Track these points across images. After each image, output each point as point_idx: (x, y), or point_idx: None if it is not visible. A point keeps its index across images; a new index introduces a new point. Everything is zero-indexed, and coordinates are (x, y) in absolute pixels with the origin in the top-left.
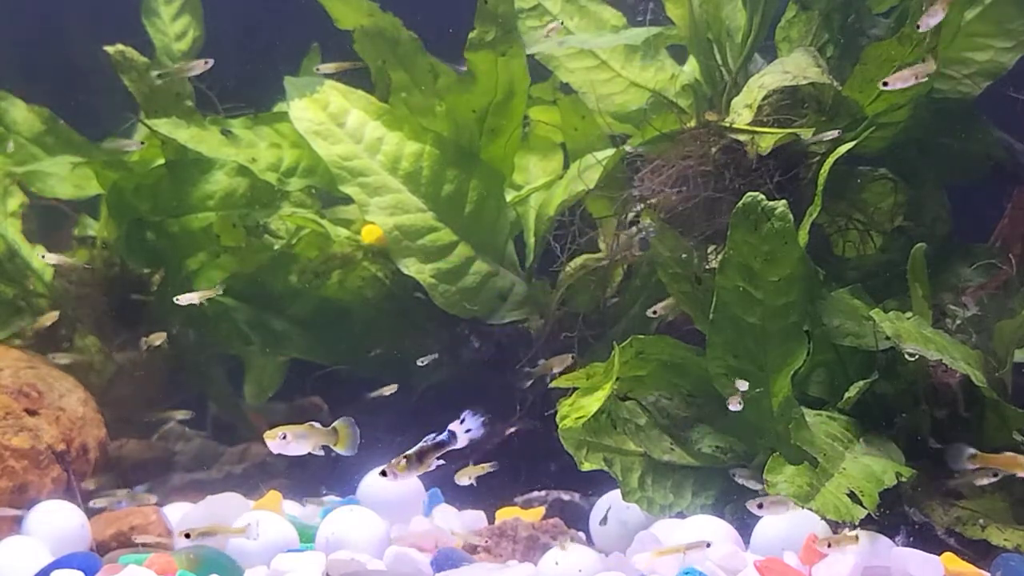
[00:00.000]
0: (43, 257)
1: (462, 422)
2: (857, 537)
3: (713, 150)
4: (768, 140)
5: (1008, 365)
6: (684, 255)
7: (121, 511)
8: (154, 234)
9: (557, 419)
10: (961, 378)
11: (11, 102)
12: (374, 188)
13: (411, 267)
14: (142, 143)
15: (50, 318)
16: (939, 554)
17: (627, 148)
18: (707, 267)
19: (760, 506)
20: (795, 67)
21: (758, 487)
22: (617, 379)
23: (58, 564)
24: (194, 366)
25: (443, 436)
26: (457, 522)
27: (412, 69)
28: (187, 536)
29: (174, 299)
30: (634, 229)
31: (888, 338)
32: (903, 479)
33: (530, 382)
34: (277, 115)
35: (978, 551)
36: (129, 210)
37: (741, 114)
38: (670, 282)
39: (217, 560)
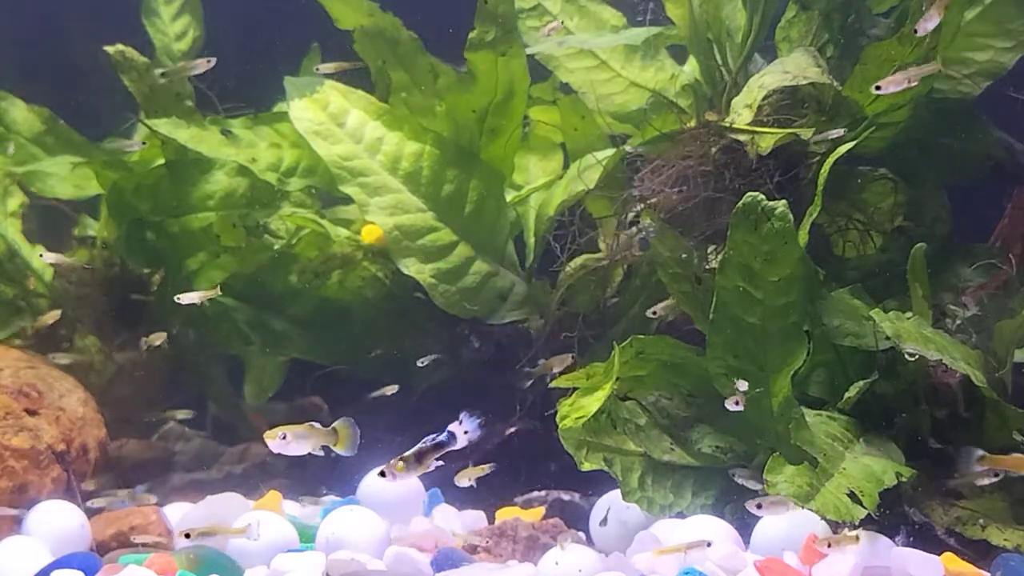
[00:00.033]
0: (41, 256)
1: (460, 423)
2: (857, 537)
3: (713, 150)
4: (768, 140)
5: (1008, 365)
6: (684, 255)
7: (121, 511)
8: (154, 234)
9: (557, 419)
10: (961, 378)
11: (11, 102)
12: (374, 188)
13: (411, 267)
14: (144, 143)
15: (52, 317)
16: (939, 554)
17: (627, 148)
18: (707, 267)
19: (759, 506)
20: (795, 67)
21: (758, 487)
22: (617, 379)
23: (58, 564)
24: (194, 366)
25: (442, 437)
26: (457, 522)
27: (412, 69)
28: (187, 536)
29: (174, 299)
30: (634, 229)
31: (888, 338)
32: (903, 479)
33: (530, 382)
34: (277, 115)
35: (978, 551)
36: (129, 210)
37: (741, 114)
38: (670, 282)
39: (217, 560)
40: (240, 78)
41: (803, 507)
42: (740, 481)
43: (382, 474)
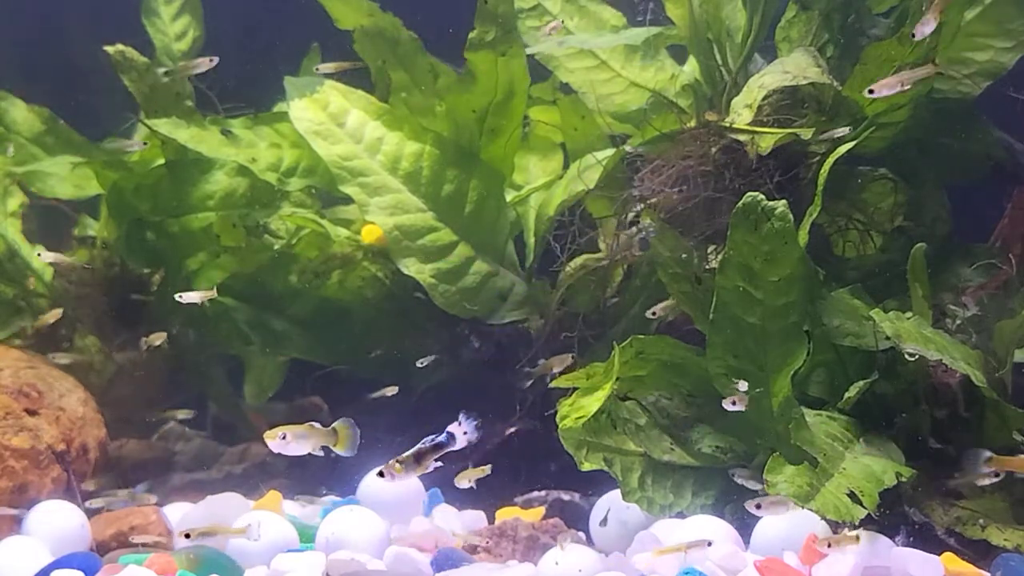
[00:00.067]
0: (40, 256)
1: (459, 424)
2: (857, 537)
3: (713, 150)
4: (768, 140)
5: (1008, 365)
6: (684, 255)
7: (121, 511)
8: (154, 234)
9: (557, 419)
10: (961, 378)
11: (11, 102)
12: (374, 188)
13: (411, 267)
14: (144, 143)
15: (53, 316)
16: (939, 554)
17: (627, 148)
18: (707, 267)
19: (759, 506)
20: (795, 67)
21: (758, 487)
22: (617, 379)
23: (58, 564)
24: (194, 366)
25: (441, 438)
26: (457, 522)
27: (412, 69)
28: (187, 536)
29: (174, 298)
30: (634, 229)
31: (888, 338)
32: (903, 479)
33: (530, 382)
34: (277, 115)
35: (978, 551)
36: (129, 210)
37: (741, 114)
38: (670, 282)
39: (217, 560)
40: (240, 78)
41: (803, 507)
42: (740, 481)
43: (380, 475)
